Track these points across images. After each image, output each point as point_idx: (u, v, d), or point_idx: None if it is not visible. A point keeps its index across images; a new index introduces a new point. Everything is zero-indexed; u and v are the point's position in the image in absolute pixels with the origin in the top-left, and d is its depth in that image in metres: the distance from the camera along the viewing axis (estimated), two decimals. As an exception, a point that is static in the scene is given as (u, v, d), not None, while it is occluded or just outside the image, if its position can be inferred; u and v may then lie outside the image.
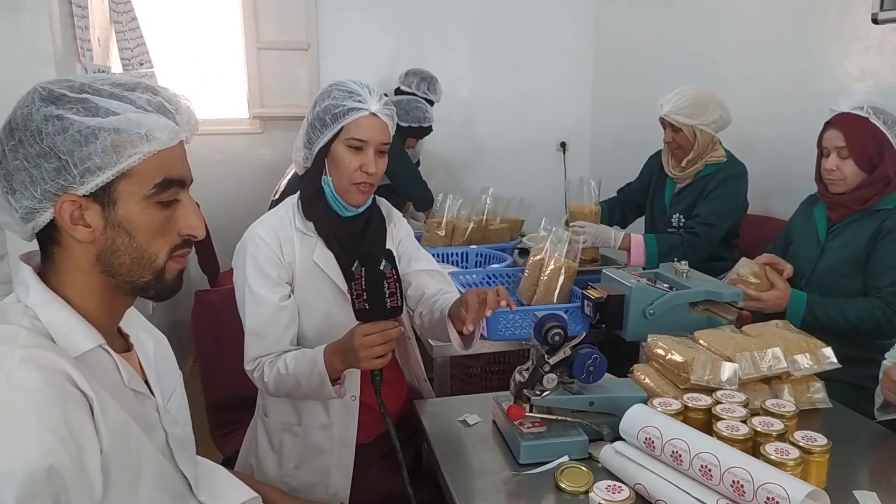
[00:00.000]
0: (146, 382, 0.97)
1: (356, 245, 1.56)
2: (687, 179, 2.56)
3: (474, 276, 2.30)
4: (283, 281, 1.51)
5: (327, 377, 1.38)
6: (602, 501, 1.05)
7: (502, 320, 1.92)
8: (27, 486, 0.72)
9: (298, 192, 1.58)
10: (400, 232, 1.69)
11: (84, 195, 0.84)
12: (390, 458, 1.25)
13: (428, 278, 1.67)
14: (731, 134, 2.57)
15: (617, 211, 2.91)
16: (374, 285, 1.23)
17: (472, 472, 1.28)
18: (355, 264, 1.23)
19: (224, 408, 1.90)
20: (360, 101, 1.47)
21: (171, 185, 0.88)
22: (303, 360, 1.43)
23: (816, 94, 2.60)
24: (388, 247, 1.62)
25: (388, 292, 1.24)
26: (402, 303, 1.27)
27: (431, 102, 3.54)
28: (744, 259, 1.96)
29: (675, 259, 1.96)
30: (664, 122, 2.50)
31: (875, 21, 2.01)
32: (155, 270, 0.89)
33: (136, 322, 1.04)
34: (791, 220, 2.18)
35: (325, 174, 1.51)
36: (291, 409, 1.57)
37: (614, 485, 1.10)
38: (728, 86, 2.95)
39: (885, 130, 1.82)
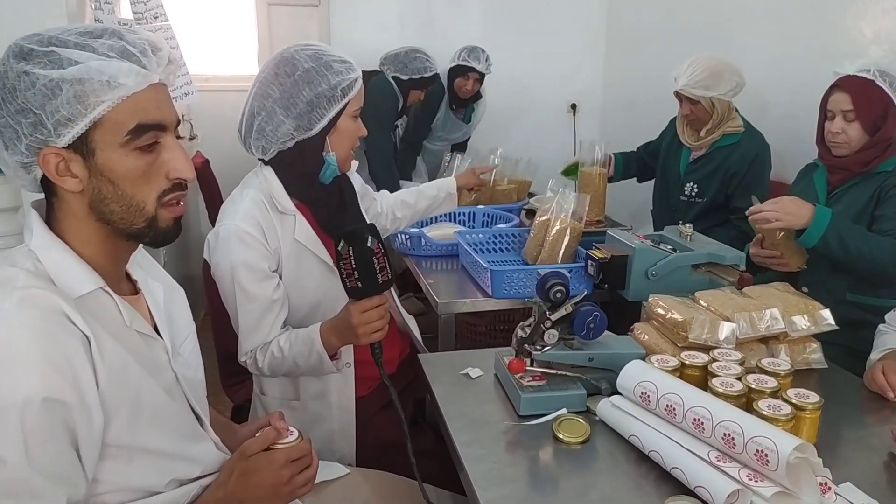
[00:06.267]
0: (155, 327, 1.00)
1: (340, 208, 1.59)
2: (703, 149, 2.55)
3: (480, 235, 2.33)
4: (272, 270, 1.51)
5: (326, 355, 1.43)
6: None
7: (507, 279, 1.95)
8: (31, 416, 0.77)
9: (264, 174, 1.53)
10: (356, 176, 1.76)
11: (65, 147, 0.85)
12: (391, 408, 1.30)
13: (381, 199, 1.92)
14: (746, 99, 2.55)
15: (633, 165, 2.92)
16: (363, 263, 1.24)
17: (474, 422, 1.32)
18: (341, 244, 1.22)
19: (234, 358, 1.94)
20: (355, 71, 1.48)
21: (147, 129, 0.88)
22: (298, 342, 1.46)
23: (831, 58, 2.54)
24: (357, 190, 1.69)
25: (378, 267, 1.25)
26: (392, 275, 1.29)
27: (480, 76, 3.45)
28: None
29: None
30: (680, 96, 2.48)
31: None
32: (146, 217, 0.91)
33: (148, 269, 1.07)
34: (789, 191, 2.18)
35: (328, 151, 1.50)
36: (288, 385, 1.61)
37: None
38: (743, 50, 2.92)
39: (890, 93, 1.81)
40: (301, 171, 1.52)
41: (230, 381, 1.99)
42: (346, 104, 1.47)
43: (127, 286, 1.01)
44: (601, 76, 4.29)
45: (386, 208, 1.93)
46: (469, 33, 3.95)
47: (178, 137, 0.95)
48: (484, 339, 2.63)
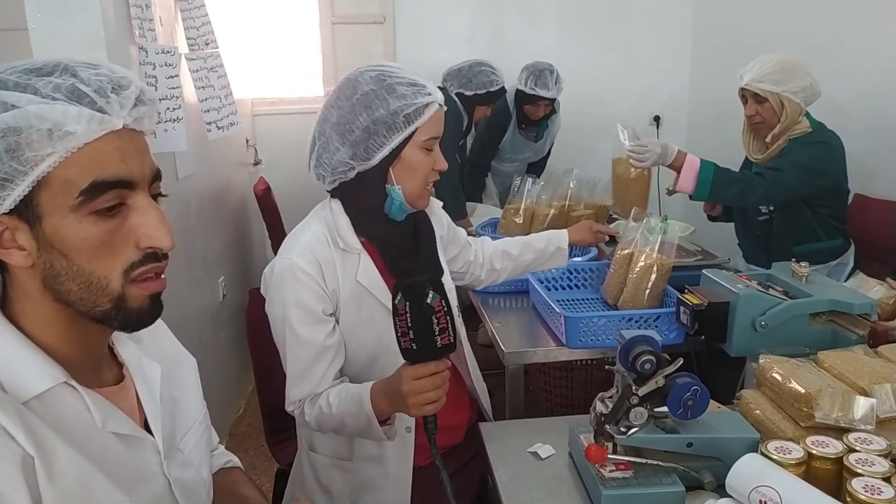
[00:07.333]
0: (146, 420, 0.82)
1: (412, 251, 1.41)
2: (769, 160, 2.23)
3: (553, 270, 2.08)
4: (328, 314, 1.35)
5: (375, 419, 1.24)
6: None
7: (584, 326, 1.70)
8: None
9: (331, 206, 1.40)
10: (442, 216, 1.59)
11: (6, 213, 0.68)
12: (451, 484, 1.09)
13: (471, 246, 1.70)
14: (860, 102, 2.21)
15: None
16: (420, 323, 1.04)
17: (543, 520, 1.08)
18: (398, 297, 1.04)
19: (281, 411, 1.77)
20: (429, 95, 1.30)
21: (106, 188, 0.70)
22: (347, 399, 1.28)
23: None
24: (438, 235, 1.51)
25: (437, 329, 1.04)
26: (454, 338, 1.08)
27: (552, 100, 3.19)
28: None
29: (732, 195, 1.87)
30: (744, 95, 2.19)
31: None
32: (111, 297, 0.73)
33: (146, 344, 0.90)
34: None
35: (391, 183, 1.33)
36: (341, 443, 1.43)
37: None
38: (855, 52, 2.57)
39: None
40: (364, 205, 1.36)
41: (275, 439, 1.82)
42: (414, 132, 1.29)
43: (111, 373, 0.83)
44: (687, 85, 3.96)
45: (483, 257, 1.72)
46: (543, 45, 3.72)
47: (159, 196, 0.77)
48: (558, 382, 2.38)
